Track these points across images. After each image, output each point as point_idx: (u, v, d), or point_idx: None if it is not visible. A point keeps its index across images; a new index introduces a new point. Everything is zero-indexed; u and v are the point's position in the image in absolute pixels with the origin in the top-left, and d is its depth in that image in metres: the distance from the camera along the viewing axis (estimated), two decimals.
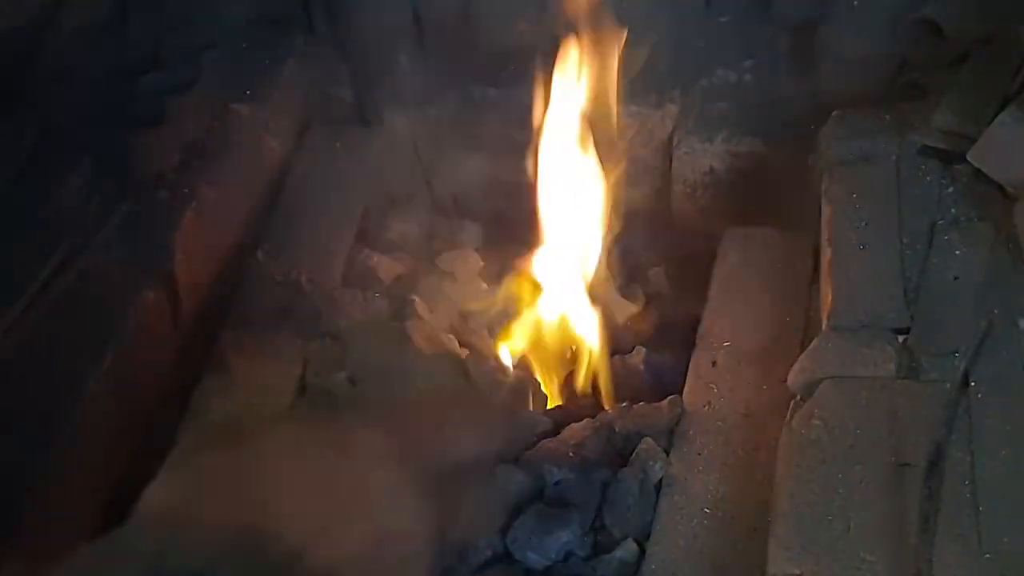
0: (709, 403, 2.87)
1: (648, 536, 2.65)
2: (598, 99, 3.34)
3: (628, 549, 2.67)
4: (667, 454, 2.79)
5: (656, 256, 3.75)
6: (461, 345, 3.39)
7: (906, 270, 2.69)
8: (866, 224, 2.82)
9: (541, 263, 3.37)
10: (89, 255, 3.08)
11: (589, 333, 3.34)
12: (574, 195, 3.33)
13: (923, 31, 3.27)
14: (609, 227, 3.37)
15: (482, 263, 3.70)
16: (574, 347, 3.39)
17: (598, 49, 3.31)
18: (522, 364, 3.42)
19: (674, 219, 3.81)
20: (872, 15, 3.41)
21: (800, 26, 3.65)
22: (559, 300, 3.40)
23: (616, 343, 3.36)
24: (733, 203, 3.64)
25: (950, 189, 2.85)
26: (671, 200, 3.78)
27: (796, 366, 2.62)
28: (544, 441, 2.96)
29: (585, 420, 3.01)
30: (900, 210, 2.83)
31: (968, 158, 2.75)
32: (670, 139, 3.69)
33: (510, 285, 3.47)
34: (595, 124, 3.33)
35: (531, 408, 3.23)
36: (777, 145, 3.54)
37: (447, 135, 3.92)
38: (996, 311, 2.54)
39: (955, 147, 2.85)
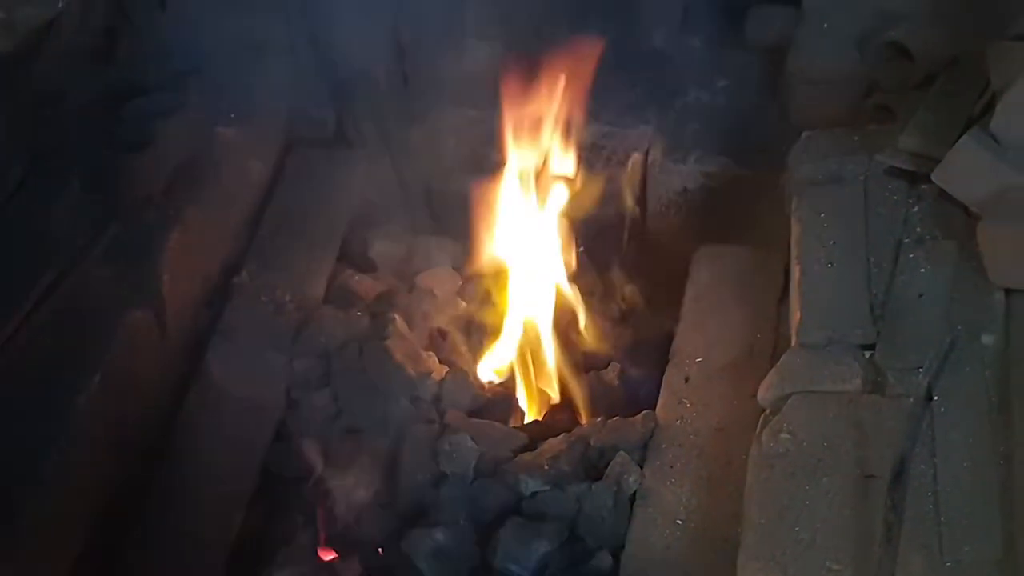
0: (682, 418, 2.94)
1: (622, 547, 2.71)
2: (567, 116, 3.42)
3: (603, 559, 2.74)
4: (641, 467, 2.86)
5: (631, 273, 3.80)
6: (440, 362, 3.45)
7: (872, 288, 2.75)
8: (834, 243, 2.88)
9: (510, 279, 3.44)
10: (78, 276, 3.13)
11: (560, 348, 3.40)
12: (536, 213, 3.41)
13: (891, 54, 3.33)
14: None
15: (460, 281, 3.76)
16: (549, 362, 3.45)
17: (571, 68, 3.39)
18: (500, 380, 3.48)
19: (649, 237, 3.86)
20: (841, 38, 3.45)
21: (771, 48, 3.71)
22: (531, 316, 3.47)
23: (592, 359, 3.43)
24: (706, 222, 3.71)
25: (916, 208, 2.90)
26: (646, 218, 3.84)
27: (765, 381, 2.69)
28: (521, 455, 3.03)
29: (561, 434, 3.08)
30: (867, 229, 2.89)
31: (932, 179, 2.80)
32: (645, 159, 3.76)
33: (484, 302, 3.53)
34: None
35: (509, 423, 3.29)
36: (749, 165, 3.60)
37: (427, 156, 3.97)
38: (959, 327, 2.60)
39: (920, 168, 2.90)
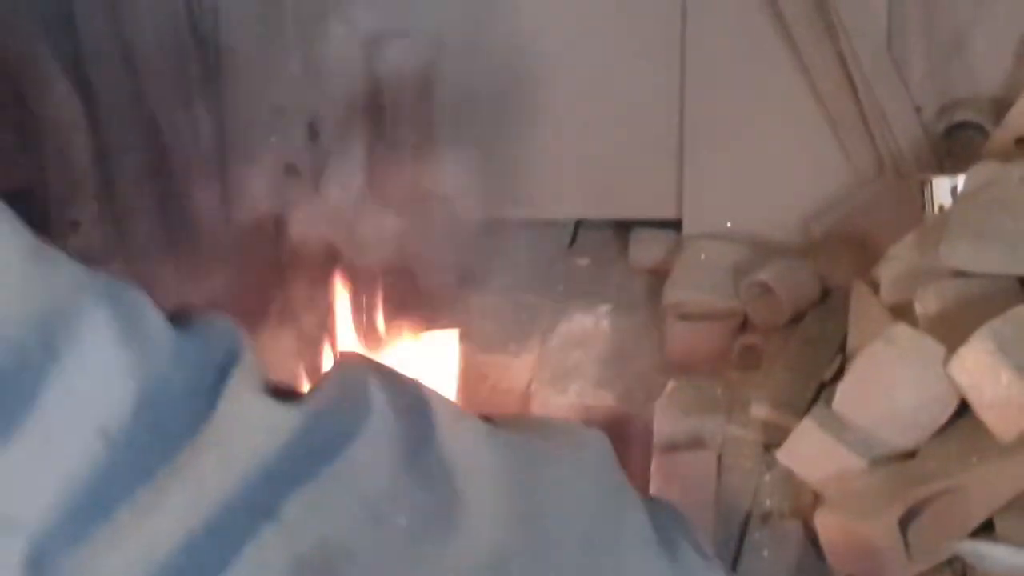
0: None
1: None
2: None
3: None
4: None
5: None
6: None
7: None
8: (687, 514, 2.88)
9: None
10: None
11: None
12: None
13: (760, 291, 3.33)
14: None
15: None
16: None
17: None
18: None
19: None
20: (718, 270, 3.46)
21: (652, 271, 3.71)
22: None
23: None
24: None
25: (767, 478, 2.90)
26: None
27: None
28: None
29: None
30: (717, 501, 2.90)
31: (777, 457, 2.81)
32: (527, 390, 3.75)
33: None
34: None
35: None
36: (626, 402, 3.59)
37: None
38: None
39: (770, 438, 2.91)
